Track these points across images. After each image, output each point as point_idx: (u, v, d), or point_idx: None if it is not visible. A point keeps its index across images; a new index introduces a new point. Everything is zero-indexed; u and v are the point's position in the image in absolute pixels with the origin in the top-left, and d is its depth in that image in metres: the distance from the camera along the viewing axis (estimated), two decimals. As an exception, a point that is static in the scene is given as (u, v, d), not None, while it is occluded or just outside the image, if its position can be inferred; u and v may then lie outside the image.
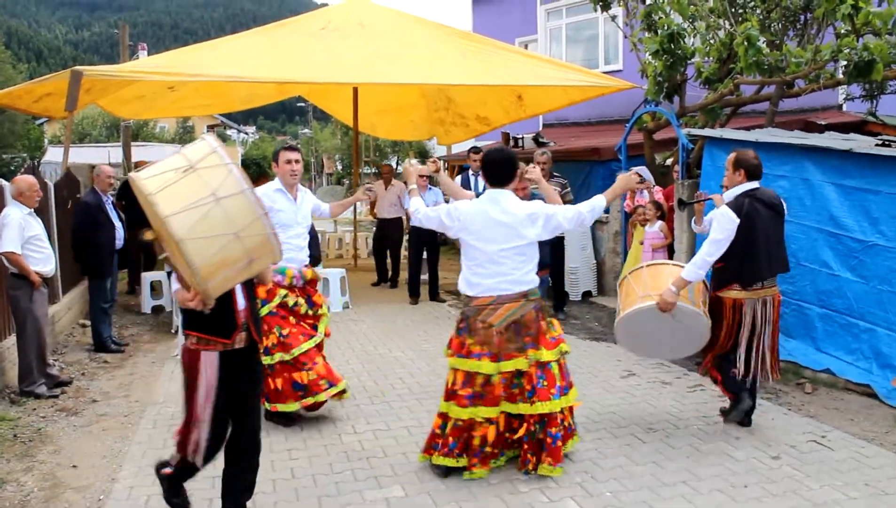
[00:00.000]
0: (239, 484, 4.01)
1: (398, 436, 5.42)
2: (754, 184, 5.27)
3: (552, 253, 8.41)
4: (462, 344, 4.63)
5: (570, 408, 4.84)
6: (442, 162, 16.84)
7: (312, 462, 4.96)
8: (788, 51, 7.83)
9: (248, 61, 10.16)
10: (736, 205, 5.15)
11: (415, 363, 7.40)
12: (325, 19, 11.49)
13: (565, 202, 5.54)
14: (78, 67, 9.34)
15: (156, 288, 10.38)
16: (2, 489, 4.65)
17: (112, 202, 8.40)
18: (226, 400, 3.80)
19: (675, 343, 5.48)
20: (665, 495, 4.40)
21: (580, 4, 15.65)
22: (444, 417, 4.69)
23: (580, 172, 11.76)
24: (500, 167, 4.67)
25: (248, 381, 3.95)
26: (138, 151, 20.22)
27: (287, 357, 5.44)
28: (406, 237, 11.69)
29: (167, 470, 4.03)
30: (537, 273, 4.75)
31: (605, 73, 13.54)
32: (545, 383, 4.60)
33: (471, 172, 9.73)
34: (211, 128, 53.52)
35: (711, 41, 8.98)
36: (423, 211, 4.82)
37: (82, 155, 20.18)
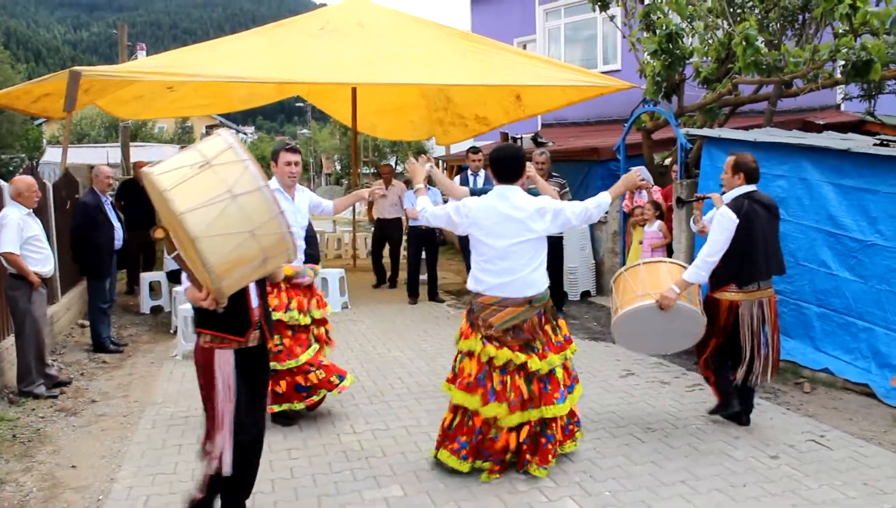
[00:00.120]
0: (240, 483, 3.98)
1: (397, 436, 5.43)
2: (752, 186, 5.33)
3: (550, 253, 8.36)
4: (472, 331, 4.67)
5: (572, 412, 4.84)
6: (441, 162, 16.86)
7: (311, 462, 4.96)
8: (787, 50, 7.84)
9: (247, 61, 10.16)
10: (735, 206, 5.19)
11: (414, 363, 7.41)
12: (324, 19, 11.49)
13: (564, 202, 5.55)
14: (76, 68, 9.34)
15: (154, 288, 10.38)
16: (1, 489, 4.65)
17: (111, 203, 8.39)
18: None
19: (669, 339, 5.52)
20: (664, 494, 4.40)
21: (579, 4, 15.66)
22: (454, 411, 4.69)
23: (579, 172, 11.76)
24: (508, 164, 4.69)
25: (259, 381, 3.93)
26: (137, 152, 20.22)
27: (293, 364, 5.44)
28: (405, 237, 11.68)
29: (197, 496, 3.92)
30: None
31: (603, 73, 13.54)
32: (549, 387, 4.62)
33: (469, 171, 9.73)
34: (210, 128, 53.52)
35: (710, 41, 8.98)
36: (431, 210, 4.83)
37: (81, 155, 20.18)
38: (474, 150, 9.73)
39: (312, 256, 6.15)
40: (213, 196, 3.13)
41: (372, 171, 33.66)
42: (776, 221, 5.41)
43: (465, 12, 19.88)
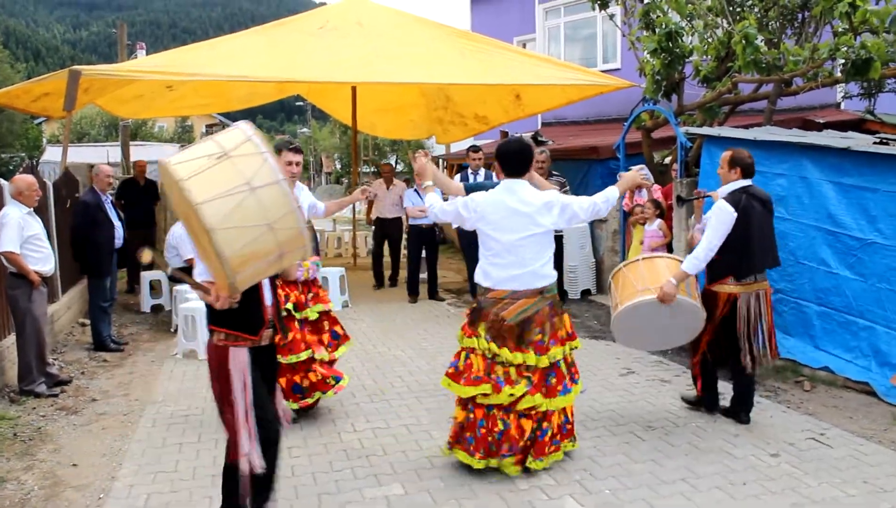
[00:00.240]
0: (265, 482, 3.88)
1: (397, 434, 5.43)
2: (748, 181, 5.42)
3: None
4: (473, 330, 4.67)
5: (568, 411, 4.84)
6: (441, 161, 16.87)
7: (312, 461, 4.97)
8: (786, 49, 7.84)
9: (246, 61, 10.17)
10: (733, 200, 5.28)
11: (414, 362, 7.41)
12: (324, 18, 11.50)
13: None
14: (76, 67, 9.34)
15: (155, 287, 10.38)
16: (2, 487, 4.65)
17: (111, 201, 8.40)
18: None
19: (668, 335, 5.56)
20: (664, 493, 4.41)
21: (578, 3, 15.67)
22: (464, 406, 4.70)
23: (579, 170, 11.77)
24: (515, 157, 4.70)
25: (271, 379, 3.90)
26: (137, 151, 20.21)
27: (294, 360, 5.45)
28: (405, 236, 11.67)
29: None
30: None
31: (603, 71, 13.55)
32: (554, 380, 4.64)
33: (470, 170, 9.73)
34: (210, 127, 53.51)
35: (709, 39, 8.99)
36: (439, 205, 4.83)
37: (81, 154, 20.15)
38: (474, 148, 9.74)
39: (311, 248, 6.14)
40: (231, 188, 3.07)
41: (372, 169, 33.65)
42: (771, 215, 5.51)
43: (465, 11, 19.90)
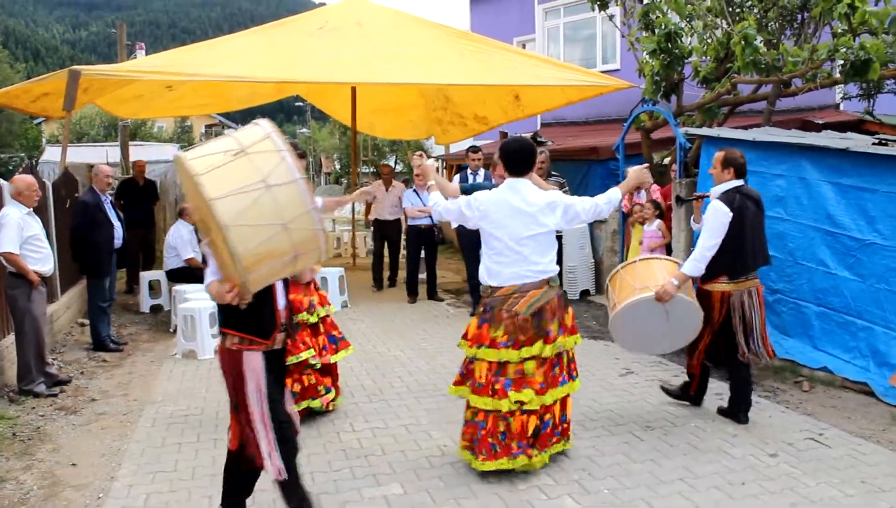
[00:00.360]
0: (291, 482, 3.83)
1: (396, 434, 5.44)
2: (741, 181, 5.47)
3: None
4: (485, 335, 4.63)
5: (567, 405, 4.85)
6: (441, 161, 16.87)
7: (311, 460, 4.96)
8: (785, 50, 7.85)
9: (246, 61, 10.17)
10: (728, 200, 5.33)
11: (413, 362, 7.42)
12: (323, 18, 11.50)
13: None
14: (76, 67, 9.35)
15: (154, 287, 10.39)
16: (1, 487, 4.65)
17: (110, 202, 8.40)
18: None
19: (667, 337, 5.57)
20: (663, 492, 4.41)
21: (578, 4, 15.67)
22: (467, 406, 4.70)
23: (578, 171, 11.78)
24: (519, 157, 4.71)
25: (280, 382, 3.86)
26: (136, 151, 20.18)
27: (293, 360, 5.45)
28: (404, 237, 11.66)
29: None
30: None
31: (602, 72, 13.55)
32: (557, 370, 4.67)
33: (469, 170, 9.74)
34: (210, 127, 53.48)
35: (709, 40, 8.99)
36: (443, 204, 4.84)
37: (80, 154, 20.13)
38: (474, 149, 9.74)
39: None
40: (247, 184, 3.02)
41: (371, 170, 33.65)
42: (762, 214, 5.58)
43: (465, 12, 19.89)
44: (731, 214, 5.26)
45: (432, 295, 10.68)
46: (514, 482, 4.56)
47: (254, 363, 3.61)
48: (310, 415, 5.70)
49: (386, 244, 11.74)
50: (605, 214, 4.80)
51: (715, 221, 5.28)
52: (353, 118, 13.49)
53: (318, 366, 5.65)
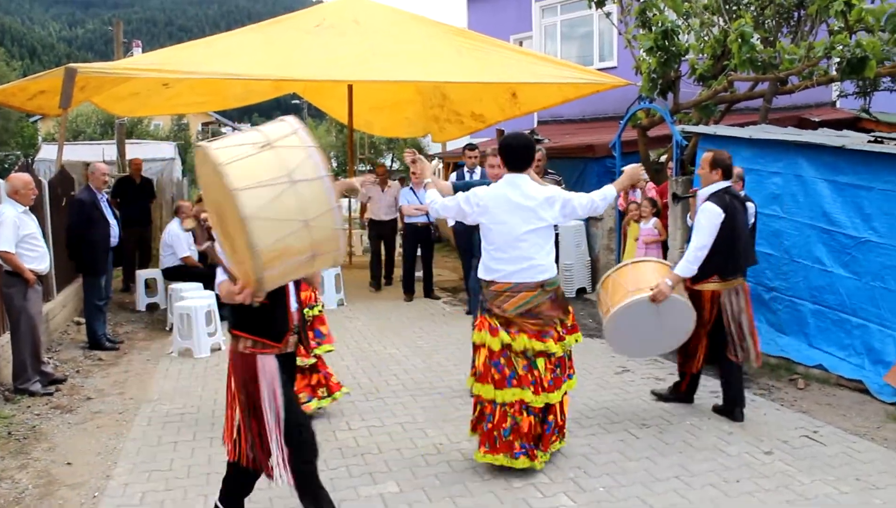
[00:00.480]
0: (313, 483, 3.82)
1: (392, 432, 5.44)
2: (728, 182, 5.54)
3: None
4: (484, 324, 4.69)
5: (564, 404, 4.85)
6: (438, 159, 16.85)
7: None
8: (782, 48, 7.87)
9: (242, 59, 10.15)
10: (720, 201, 5.38)
11: (409, 360, 7.42)
12: (320, 16, 11.48)
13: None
14: (72, 65, 9.33)
15: (150, 286, 10.38)
16: (-4, 486, 4.65)
17: (107, 200, 8.38)
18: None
19: (660, 339, 5.60)
20: (658, 490, 4.42)
21: (575, 1, 15.66)
22: (480, 402, 4.70)
23: (575, 168, 11.79)
24: (518, 152, 4.72)
25: (291, 386, 3.80)
26: (133, 149, 20.16)
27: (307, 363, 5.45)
28: (400, 235, 11.63)
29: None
30: None
31: (599, 70, 13.55)
32: (559, 371, 4.67)
33: (466, 168, 9.73)
34: (206, 125, 53.41)
35: (705, 38, 9.01)
36: (440, 201, 4.87)
37: (76, 152, 20.05)
38: (471, 147, 9.74)
39: None
40: (271, 178, 2.95)
41: (368, 168, 33.57)
42: (746, 214, 5.71)
43: (462, 9, 19.86)
44: (723, 215, 5.31)
45: (429, 293, 10.68)
46: (510, 480, 4.56)
47: (269, 367, 3.54)
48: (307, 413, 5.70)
49: (382, 243, 11.71)
50: (601, 210, 4.85)
51: (707, 222, 5.32)
52: (350, 116, 13.48)
53: (307, 366, 5.62)
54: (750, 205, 6.61)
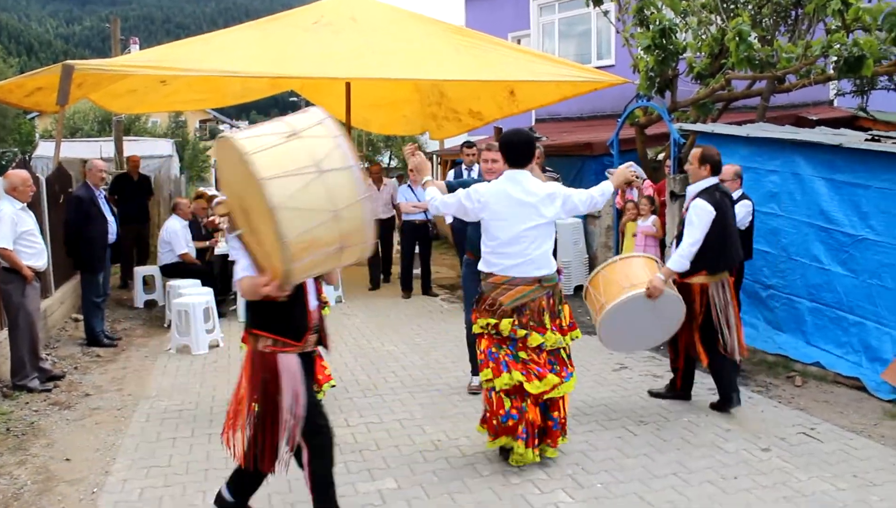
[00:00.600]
0: (329, 486, 3.78)
1: (390, 429, 5.45)
2: (716, 179, 5.59)
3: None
4: (475, 315, 4.78)
5: (565, 404, 4.86)
6: (435, 157, 16.86)
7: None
8: (779, 46, 7.88)
9: (240, 56, 10.14)
10: (711, 198, 5.43)
11: (407, 357, 7.43)
12: (318, 13, 11.46)
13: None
14: (69, 62, 9.31)
15: (148, 282, 10.37)
16: (-5, 482, 4.66)
17: (104, 197, 8.38)
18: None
19: (651, 332, 5.64)
20: (656, 487, 4.43)
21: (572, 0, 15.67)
22: (489, 390, 4.72)
23: (572, 166, 11.80)
24: (519, 148, 4.73)
25: (310, 386, 3.72)
26: (130, 146, 20.12)
27: None
28: (397, 232, 11.64)
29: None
30: None
31: (597, 68, 13.56)
32: (557, 367, 4.69)
33: (464, 166, 9.73)
34: (203, 122, 53.39)
35: (703, 36, 9.01)
36: (440, 198, 4.87)
37: (74, 150, 20.01)
38: (468, 144, 9.74)
39: None
40: (299, 167, 2.88)
41: (365, 165, 33.57)
42: (733, 210, 5.74)
43: (460, 7, 19.87)
44: (714, 212, 5.37)
45: (427, 291, 10.69)
46: (508, 476, 4.58)
47: (291, 366, 3.47)
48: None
49: (379, 241, 11.71)
50: (600, 205, 4.93)
51: (698, 219, 5.38)
52: (348, 113, 13.45)
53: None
54: (747, 203, 6.62)
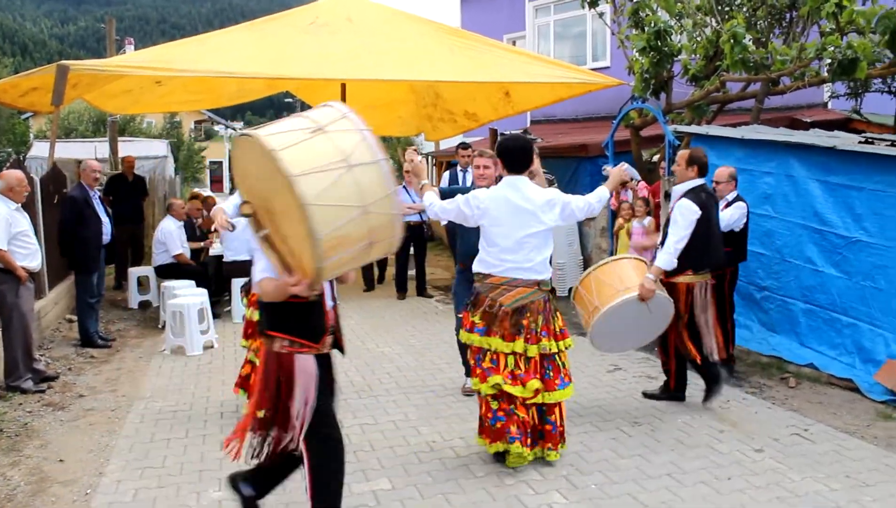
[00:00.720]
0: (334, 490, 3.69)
1: (385, 430, 5.45)
2: (703, 180, 5.69)
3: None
4: (468, 319, 4.76)
5: (562, 411, 4.86)
6: (430, 158, 16.86)
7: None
8: (774, 49, 7.89)
9: (236, 56, 10.13)
10: (696, 198, 5.54)
11: (402, 358, 7.43)
12: (314, 14, 11.45)
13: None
14: (64, 62, 9.29)
15: (143, 283, 10.36)
16: (-12, 483, 4.64)
17: (99, 197, 8.37)
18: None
19: (641, 333, 5.69)
20: (650, 487, 4.44)
21: (568, 1, 15.70)
22: (487, 405, 4.73)
23: (567, 168, 11.81)
24: (518, 154, 4.75)
25: (331, 387, 3.67)
26: (125, 146, 20.08)
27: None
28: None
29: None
30: None
31: (592, 69, 13.58)
32: (551, 373, 4.69)
33: (459, 167, 9.75)
34: (199, 123, 53.30)
35: (698, 38, 9.04)
36: (439, 204, 4.87)
37: (68, 150, 19.96)
38: (464, 145, 9.76)
39: None
40: (328, 163, 2.81)
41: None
42: (717, 211, 5.89)
43: (455, 8, 19.89)
44: (699, 212, 5.47)
45: (421, 292, 10.70)
46: (503, 477, 4.58)
47: (307, 367, 3.42)
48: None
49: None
50: (596, 211, 4.92)
51: (683, 218, 5.48)
52: (343, 114, 13.44)
53: None
54: (742, 205, 6.65)
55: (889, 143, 6.72)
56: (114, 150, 17.91)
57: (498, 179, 5.49)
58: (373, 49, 10.46)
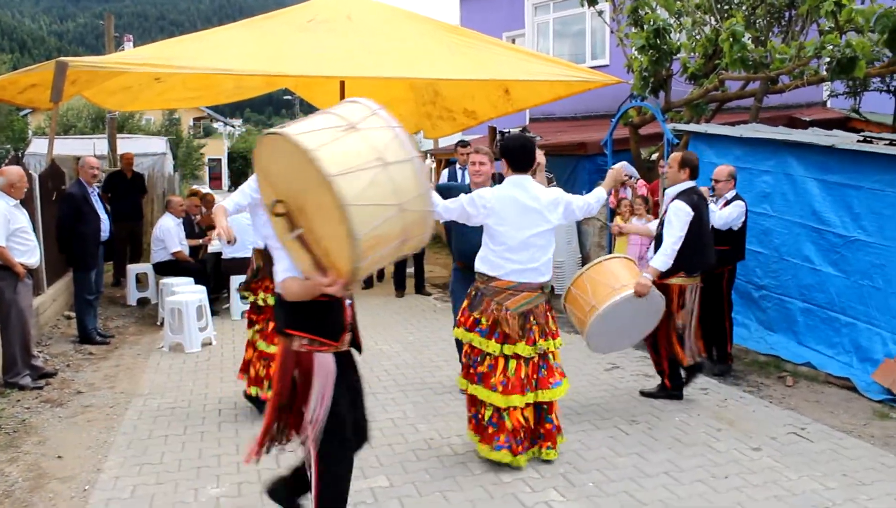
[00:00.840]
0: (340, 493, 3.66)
1: (383, 427, 5.45)
2: (694, 182, 5.77)
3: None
4: (468, 317, 4.72)
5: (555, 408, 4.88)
6: (429, 156, 16.86)
7: (297, 453, 4.96)
8: (773, 47, 7.90)
9: (234, 54, 10.12)
10: (689, 200, 5.61)
11: (400, 356, 7.43)
12: (313, 12, 11.44)
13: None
14: (63, 59, 9.28)
15: (141, 280, 10.36)
16: (-14, 479, 4.65)
17: (97, 194, 8.36)
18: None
19: (633, 331, 5.72)
20: (647, 485, 4.45)
21: (567, -1, 15.70)
22: (473, 401, 4.74)
23: (566, 166, 11.81)
24: (522, 153, 4.76)
25: (356, 387, 3.64)
26: (124, 143, 20.07)
27: (274, 349, 5.43)
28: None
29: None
30: None
31: (591, 67, 13.58)
32: (545, 372, 4.70)
33: (458, 165, 9.74)
34: (197, 120, 53.24)
35: (697, 37, 9.05)
36: (442, 203, 4.84)
37: (67, 147, 19.95)
38: (463, 143, 9.76)
39: None
40: (364, 162, 2.77)
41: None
42: (708, 213, 5.94)
43: (454, 6, 19.86)
44: (692, 213, 5.55)
45: (420, 289, 10.70)
46: (500, 475, 4.59)
47: (326, 365, 3.38)
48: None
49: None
50: (595, 211, 4.97)
51: (677, 218, 5.56)
52: (342, 112, 13.43)
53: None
54: (740, 203, 6.65)
55: (888, 142, 6.72)
56: (112, 147, 17.90)
57: (494, 176, 5.50)
58: (372, 47, 10.46)
